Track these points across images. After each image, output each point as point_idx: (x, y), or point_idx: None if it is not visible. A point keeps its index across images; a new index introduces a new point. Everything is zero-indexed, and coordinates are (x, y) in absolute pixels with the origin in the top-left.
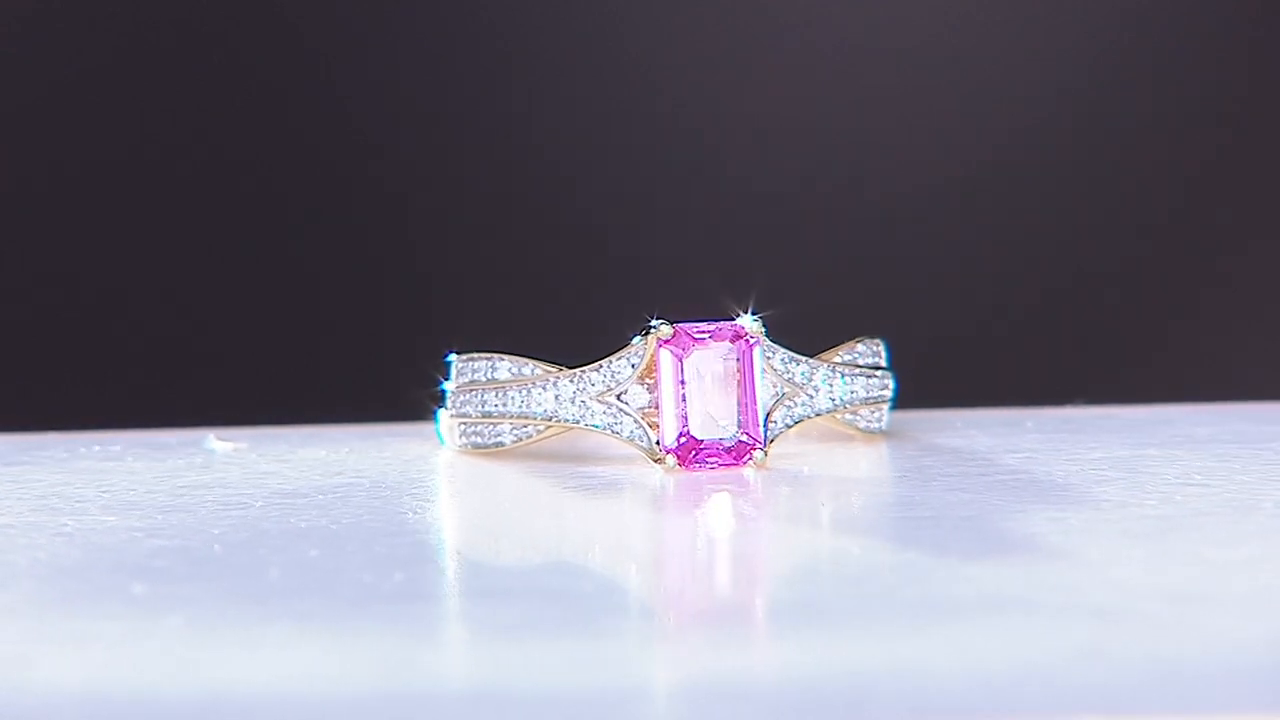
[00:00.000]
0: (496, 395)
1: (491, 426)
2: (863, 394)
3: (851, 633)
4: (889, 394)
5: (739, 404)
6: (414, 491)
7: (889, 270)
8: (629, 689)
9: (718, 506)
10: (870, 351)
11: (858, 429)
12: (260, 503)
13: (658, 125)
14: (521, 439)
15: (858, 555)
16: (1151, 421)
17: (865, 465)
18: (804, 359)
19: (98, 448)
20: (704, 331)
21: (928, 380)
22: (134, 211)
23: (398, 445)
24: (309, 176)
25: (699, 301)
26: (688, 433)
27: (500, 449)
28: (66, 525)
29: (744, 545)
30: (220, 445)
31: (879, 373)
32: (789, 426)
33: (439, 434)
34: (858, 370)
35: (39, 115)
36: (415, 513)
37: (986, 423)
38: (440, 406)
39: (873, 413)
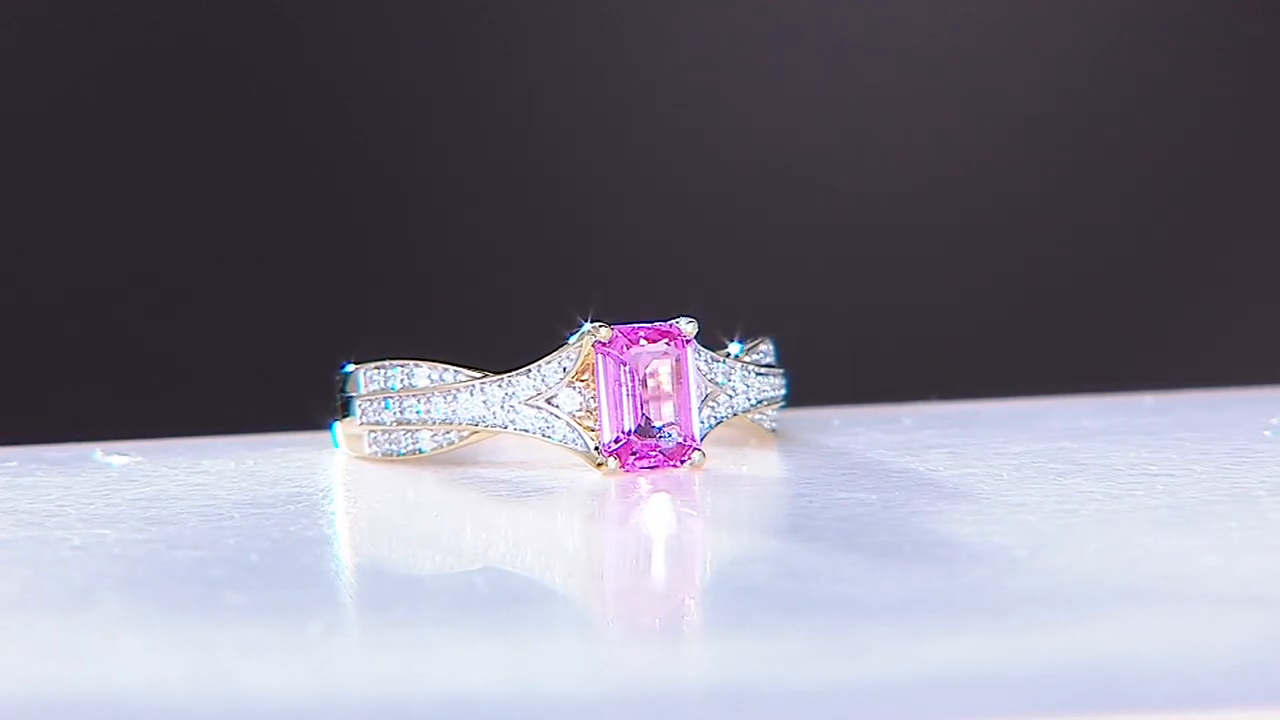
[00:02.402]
0: (419, 401)
1: (409, 433)
2: (769, 393)
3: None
4: (784, 393)
5: (676, 405)
6: (375, 500)
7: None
8: (564, 694)
9: (658, 509)
10: (768, 351)
11: (763, 428)
12: (236, 513)
13: (606, 124)
14: (442, 445)
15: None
16: (1031, 415)
17: (803, 464)
18: (722, 359)
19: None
20: (640, 332)
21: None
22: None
23: (302, 454)
24: (203, 179)
25: (622, 302)
26: (626, 435)
27: (418, 455)
28: (72, 539)
29: (686, 547)
30: (115, 459)
31: (776, 372)
32: (713, 426)
33: (335, 442)
34: (764, 369)
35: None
36: (410, 514)
37: (866, 420)
38: (346, 415)
39: (773, 411)
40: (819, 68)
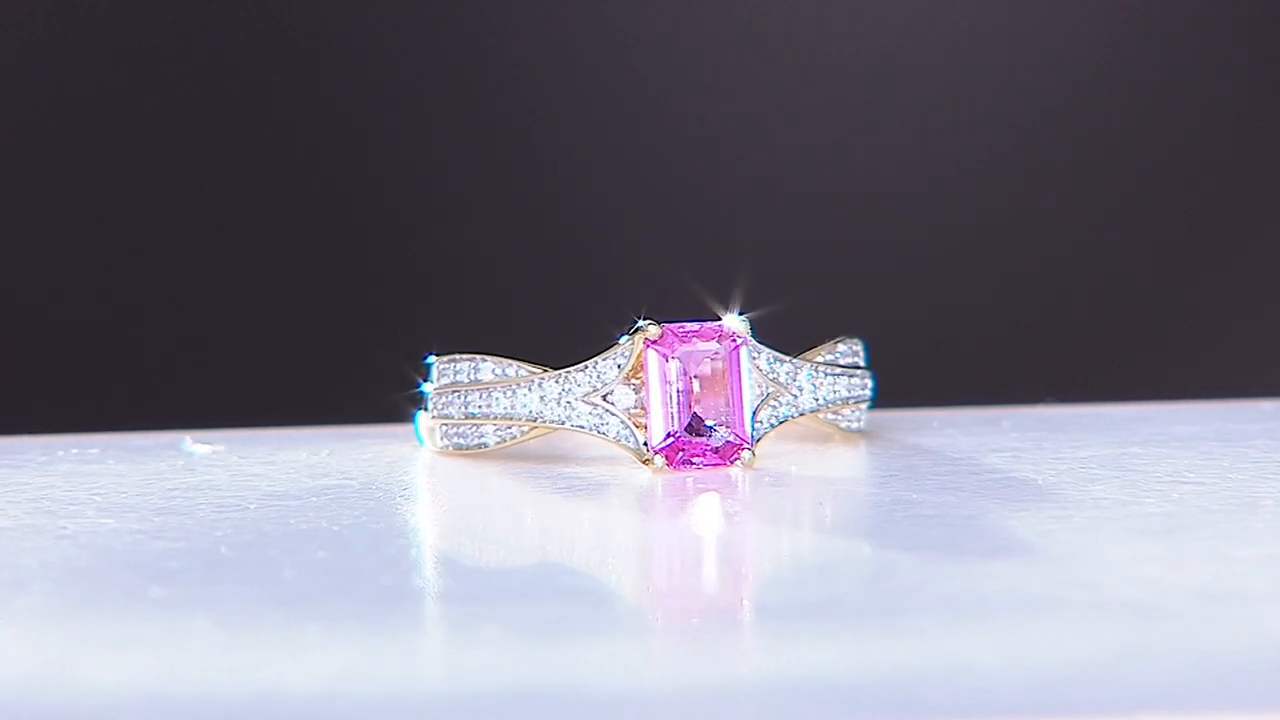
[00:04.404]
0: (481, 396)
1: (475, 428)
2: (844, 394)
3: (857, 633)
4: (869, 394)
5: (726, 404)
6: (405, 494)
7: (869, 270)
8: (623, 691)
9: (707, 507)
10: (850, 351)
11: (839, 429)
12: (254, 505)
13: (647, 125)
14: (505, 440)
15: (869, 554)
16: (1126, 419)
17: (853, 465)
18: (788, 359)
19: (75, 450)
20: (691, 331)
21: (902, 380)
22: (106, 214)
23: (377, 447)
24: (291, 177)
25: (686, 302)
26: (675, 433)
27: (483, 450)
28: (67, 528)
29: (734, 545)
30: (199, 448)
31: (859, 372)
32: (774, 426)
33: (418, 435)
34: (839, 370)
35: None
36: (415, 514)
37: (963, 422)
38: (420, 408)
39: (852, 412)
40: (799, 66)
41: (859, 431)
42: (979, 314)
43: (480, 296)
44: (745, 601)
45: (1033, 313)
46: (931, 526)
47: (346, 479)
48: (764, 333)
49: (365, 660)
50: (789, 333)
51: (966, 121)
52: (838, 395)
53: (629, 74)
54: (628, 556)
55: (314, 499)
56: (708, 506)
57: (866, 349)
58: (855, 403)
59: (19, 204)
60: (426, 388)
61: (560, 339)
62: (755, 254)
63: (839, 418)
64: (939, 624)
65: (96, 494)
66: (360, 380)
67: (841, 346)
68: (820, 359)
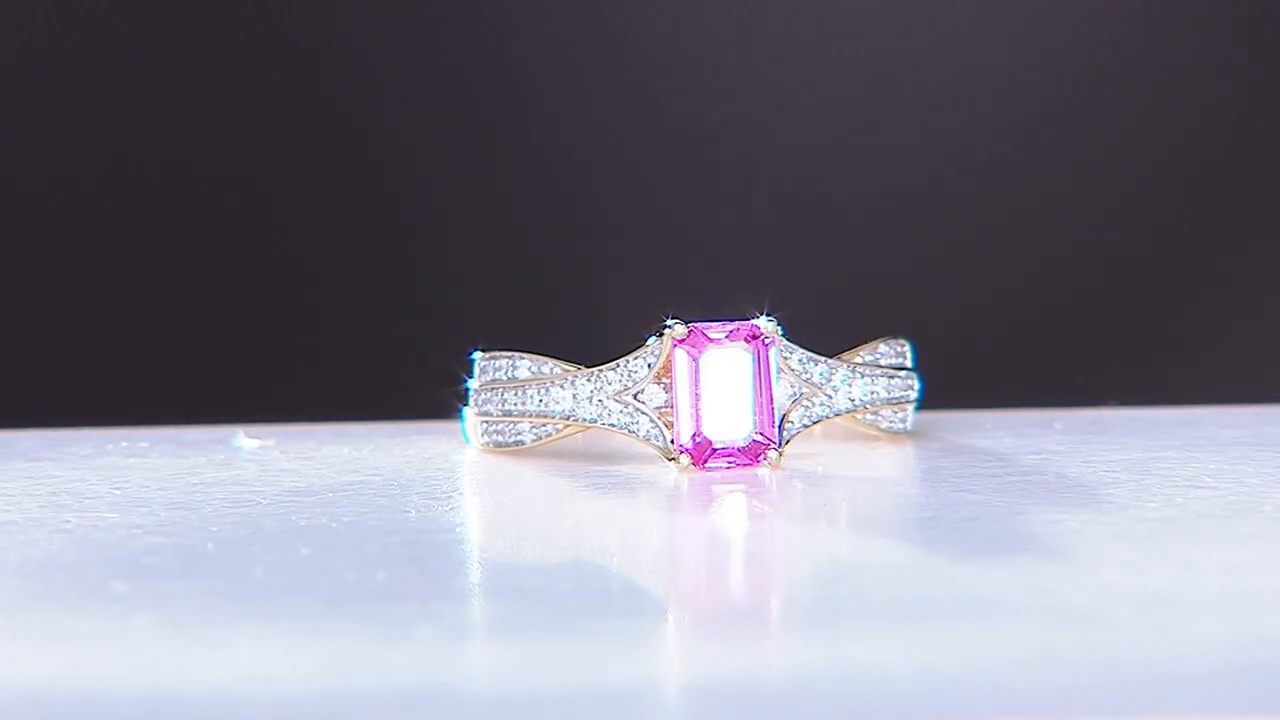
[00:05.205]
0: (516, 394)
1: (512, 425)
2: (884, 394)
3: (835, 632)
4: (914, 395)
5: (754, 404)
6: (423, 490)
7: (921, 269)
8: (641, 689)
9: (729, 507)
10: (894, 352)
11: (879, 429)
12: (267, 500)
13: (679, 126)
14: (541, 438)
15: (846, 556)
16: (1178, 423)
17: (880, 466)
18: (823, 359)
19: (125, 444)
20: (719, 331)
21: (970, 380)
22: (175, 212)
23: (423, 443)
24: (290, 178)
25: (721, 302)
26: (701, 432)
27: (520, 448)
28: (69, 521)
29: (751, 545)
30: (249, 442)
31: (903, 373)
32: (807, 427)
33: (464, 432)
34: (879, 370)
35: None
36: (418, 511)
37: (1016, 423)
38: (465, 405)
39: (895, 413)
40: (839, 67)
41: (903, 432)
42: (979, 314)
43: (525, 295)
44: (746, 601)
45: (1032, 312)
46: (920, 527)
47: (373, 475)
48: (813, 334)
49: (275, 659)
50: (842, 333)
51: (966, 121)
52: (876, 396)
53: (629, 74)
54: (632, 555)
55: (328, 495)
56: (712, 505)
57: (914, 350)
58: (898, 403)
59: (19, 204)
60: (471, 384)
61: (599, 338)
62: (753, 254)
63: (879, 418)
64: (870, 627)
65: (118, 488)
66: (431, 376)
67: (883, 347)
68: (859, 359)
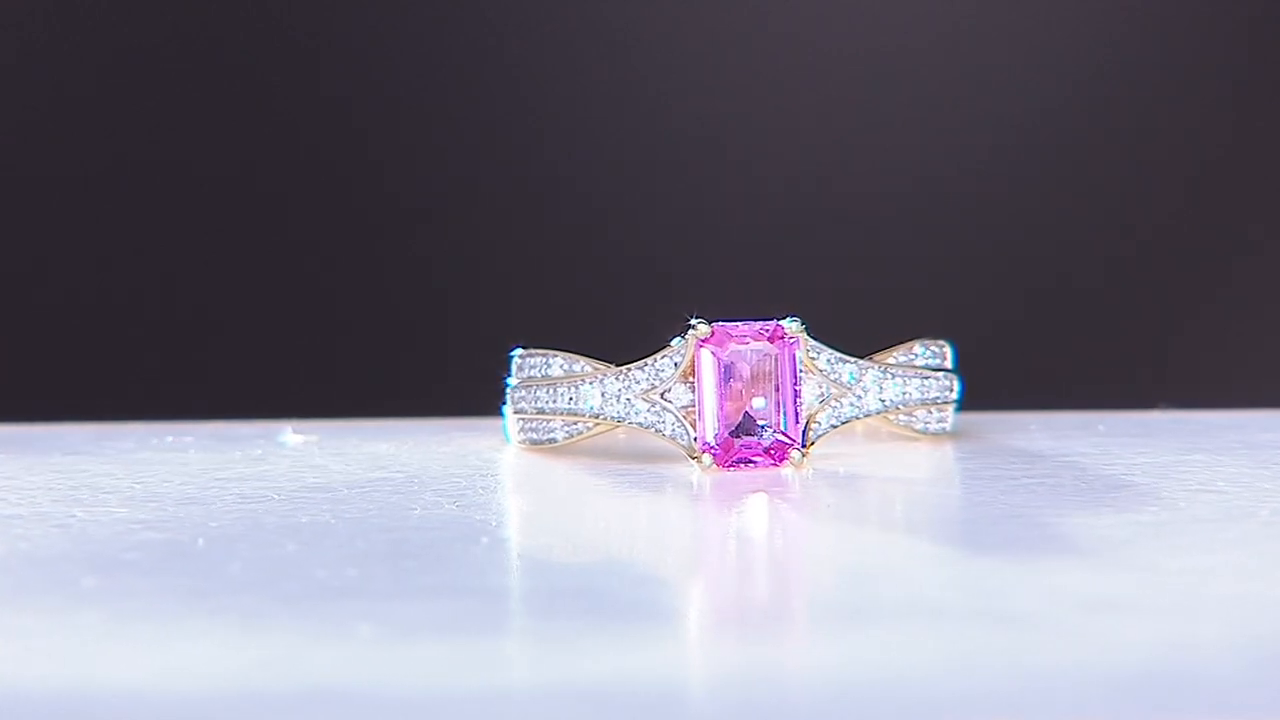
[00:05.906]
0: (549, 392)
1: (545, 422)
2: (917, 396)
3: (858, 632)
4: (953, 396)
5: (777, 404)
6: (438, 488)
7: (869, 270)
8: (666, 690)
9: (748, 507)
10: (931, 353)
11: (914, 430)
12: (281, 496)
13: (678, 125)
14: (572, 435)
15: (823, 554)
16: (1224, 426)
17: (910, 466)
18: (853, 360)
19: (170, 439)
20: (744, 331)
21: (1025, 381)
22: (230, 210)
23: (464, 440)
24: (291, 176)
25: (749, 303)
26: (725, 432)
27: (553, 445)
28: (74, 516)
29: (770, 545)
30: (293, 438)
31: (939, 374)
32: (835, 427)
33: (504, 429)
34: (912, 371)
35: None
36: (423, 509)
37: (1061, 425)
38: (504, 402)
39: (931, 414)
40: (860, 67)
41: (942, 433)
42: (976, 313)
43: (564, 292)
44: (749, 601)
45: (1032, 313)
46: (906, 527)
47: (399, 472)
48: (854, 334)
49: (205, 657)
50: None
51: (966, 121)
52: (909, 397)
53: (629, 74)
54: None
55: (344, 491)
56: (719, 504)
57: (954, 351)
58: (934, 404)
59: (116, 194)
60: (510, 381)
61: (636, 336)
62: (756, 254)
63: (913, 419)
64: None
65: (140, 482)
66: (457, 375)
67: (919, 348)
68: (892, 360)
